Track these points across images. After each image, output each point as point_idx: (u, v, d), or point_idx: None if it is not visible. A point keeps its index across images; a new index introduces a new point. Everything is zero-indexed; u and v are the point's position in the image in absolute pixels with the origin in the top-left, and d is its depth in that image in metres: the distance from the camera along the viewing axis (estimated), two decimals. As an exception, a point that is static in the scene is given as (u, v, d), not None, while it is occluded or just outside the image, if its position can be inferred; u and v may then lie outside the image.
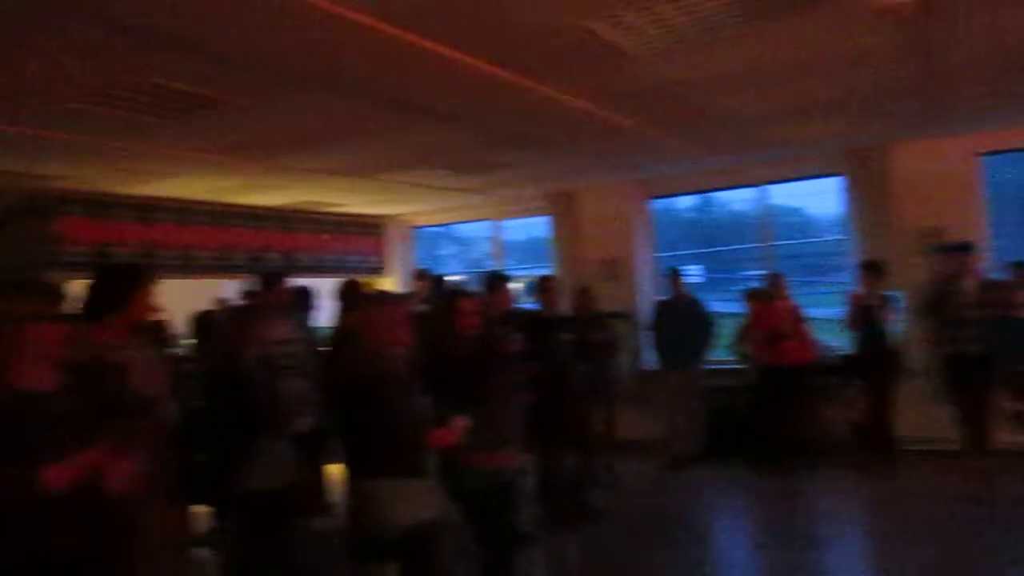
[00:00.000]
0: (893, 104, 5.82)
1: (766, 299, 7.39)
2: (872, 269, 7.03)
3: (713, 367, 7.98)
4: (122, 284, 3.29)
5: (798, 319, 7.34)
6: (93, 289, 3.30)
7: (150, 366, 3.32)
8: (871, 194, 7.76)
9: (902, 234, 7.56)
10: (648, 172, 8.47)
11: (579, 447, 6.32)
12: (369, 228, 10.14)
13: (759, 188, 8.83)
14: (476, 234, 13.57)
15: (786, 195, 9.62)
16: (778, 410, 7.20)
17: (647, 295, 8.95)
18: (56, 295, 2.72)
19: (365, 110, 4.96)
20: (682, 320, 7.66)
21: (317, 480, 5.89)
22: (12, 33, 3.40)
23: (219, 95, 4.46)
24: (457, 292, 4.73)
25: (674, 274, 7.87)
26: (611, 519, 6.22)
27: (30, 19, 3.27)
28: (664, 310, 7.82)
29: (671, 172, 8.57)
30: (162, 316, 4.26)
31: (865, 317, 6.94)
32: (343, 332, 5.47)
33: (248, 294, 8.37)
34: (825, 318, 8.33)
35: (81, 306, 3.24)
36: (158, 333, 5.98)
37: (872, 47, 4.37)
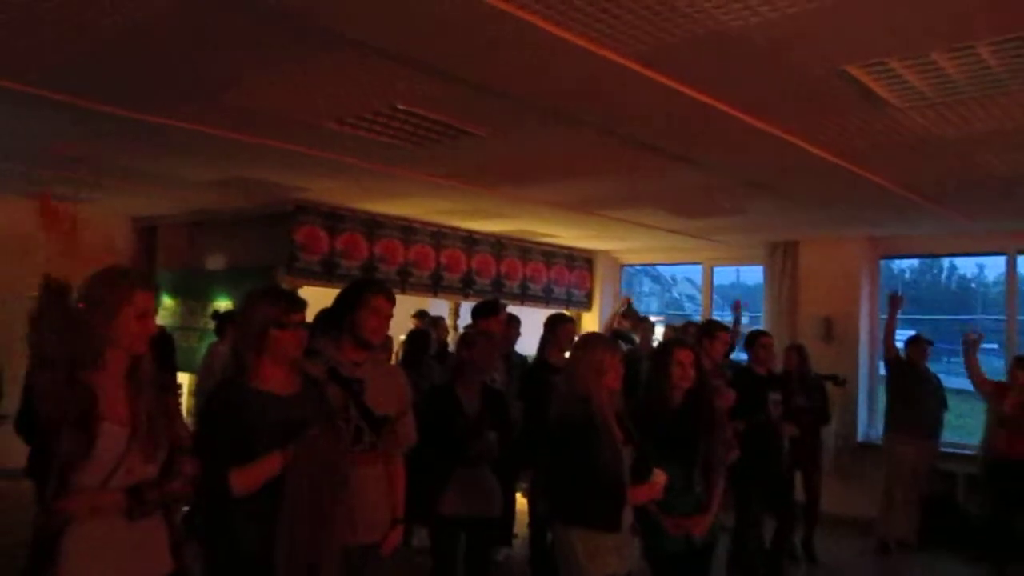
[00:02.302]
0: None
1: (1009, 381, 6.61)
2: None
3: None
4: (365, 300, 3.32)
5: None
6: (339, 303, 3.32)
7: (389, 382, 3.33)
8: None
9: None
10: (880, 229, 7.91)
11: (778, 516, 5.96)
12: (578, 261, 10.14)
13: (1003, 257, 8.00)
14: (676, 274, 13.29)
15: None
16: (1007, 509, 6.40)
17: (866, 359, 8.31)
18: (299, 302, 2.82)
19: (607, 147, 4.91)
20: (923, 390, 7.04)
21: (505, 510, 5.87)
22: (282, 56, 3.62)
23: (466, 124, 4.57)
24: (674, 341, 4.57)
25: (919, 342, 7.20)
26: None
27: (298, 44, 3.46)
28: (904, 377, 7.15)
29: (904, 231, 7.98)
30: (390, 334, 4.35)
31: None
32: (546, 366, 5.42)
33: (419, 314, 8.51)
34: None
35: (321, 317, 3.35)
36: (386, 350, 6.24)
37: None
